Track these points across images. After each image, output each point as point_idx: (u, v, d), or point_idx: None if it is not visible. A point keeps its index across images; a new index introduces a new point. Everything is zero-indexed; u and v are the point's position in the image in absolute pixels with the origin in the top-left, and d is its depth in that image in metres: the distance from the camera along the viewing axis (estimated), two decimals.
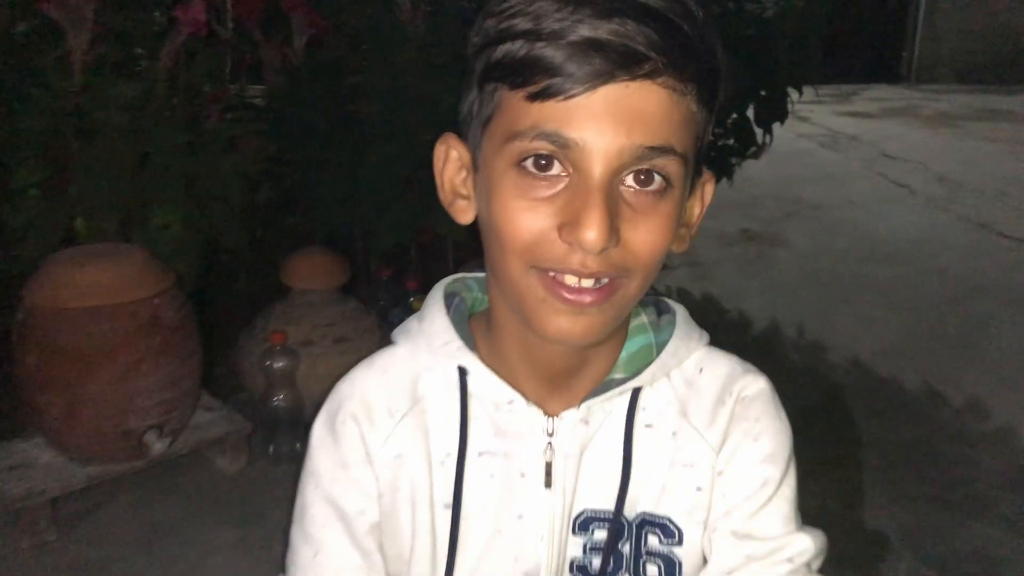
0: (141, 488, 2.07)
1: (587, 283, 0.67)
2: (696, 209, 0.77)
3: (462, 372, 0.78)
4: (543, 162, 0.66)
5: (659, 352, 0.79)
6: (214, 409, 2.19)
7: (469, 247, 2.62)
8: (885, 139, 6.38)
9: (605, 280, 0.68)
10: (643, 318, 0.82)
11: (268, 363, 2.16)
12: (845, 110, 7.68)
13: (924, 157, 5.73)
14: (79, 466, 1.95)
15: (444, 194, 0.77)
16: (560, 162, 0.66)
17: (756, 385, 0.81)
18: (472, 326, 0.82)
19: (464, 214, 0.76)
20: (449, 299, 0.83)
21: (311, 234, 2.61)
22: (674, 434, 0.79)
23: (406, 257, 2.81)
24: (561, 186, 0.66)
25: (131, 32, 2.13)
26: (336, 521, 0.80)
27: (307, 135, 2.56)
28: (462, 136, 0.75)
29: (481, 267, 0.81)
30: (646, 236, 0.67)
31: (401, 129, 2.43)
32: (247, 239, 2.41)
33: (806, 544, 0.77)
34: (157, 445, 1.95)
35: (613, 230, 0.64)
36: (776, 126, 3.37)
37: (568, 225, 0.65)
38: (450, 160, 0.76)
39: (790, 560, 0.77)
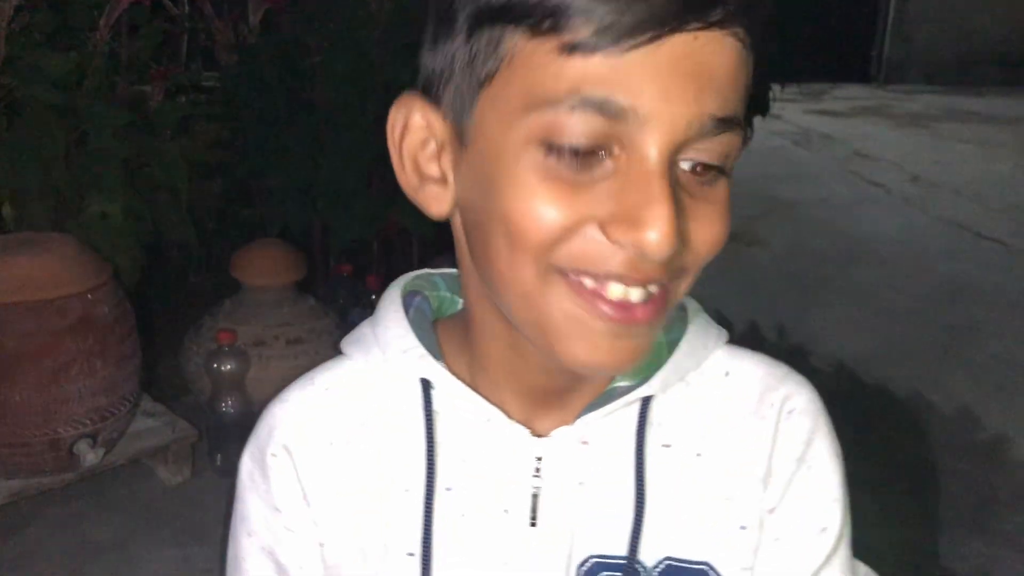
0: (72, 503, 1.90)
1: (636, 294, 0.51)
2: None
3: (426, 386, 0.62)
4: (587, 148, 0.49)
5: (671, 352, 0.63)
6: (156, 415, 2.01)
7: (436, 244, 2.47)
8: (857, 138, 6.31)
9: (655, 288, 0.52)
10: None
11: (215, 365, 1.99)
12: (815, 108, 7.62)
13: (898, 157, 5.66)
14: (1, 480, 1.77)
15: (406, 176, 0.57)
16: (607, 148, 0.49)
17: (802, 395, 0.65)
18: (439, 332, 0.65)
19: (437, 203, 0.57)
20: (409, 299, 0.66)
21: (266, 227, 2.44)
22: (699, 455, 0.63)
23: (368, 252, 2.65)
24: (603, 169, 0.49)
25: (67, 1, 1.94)
26: None
27: (263, 120, 2.38)
28: (431, 98, 0.56)
29: (451, 263, 0.64)
30: (710, 228, 0.52)
31: (364, 115, 2.28)
32: (196, 232, 2.23)
33: None
34: (90, 456, 1.77)
35: (680, 230, 0.49)
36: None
37: (620, 223, 0.49)
38: (411, 130, 0.56)
39: None
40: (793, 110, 7.19)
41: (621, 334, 0.52)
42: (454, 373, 0.62)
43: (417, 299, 0.66)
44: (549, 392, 0.62)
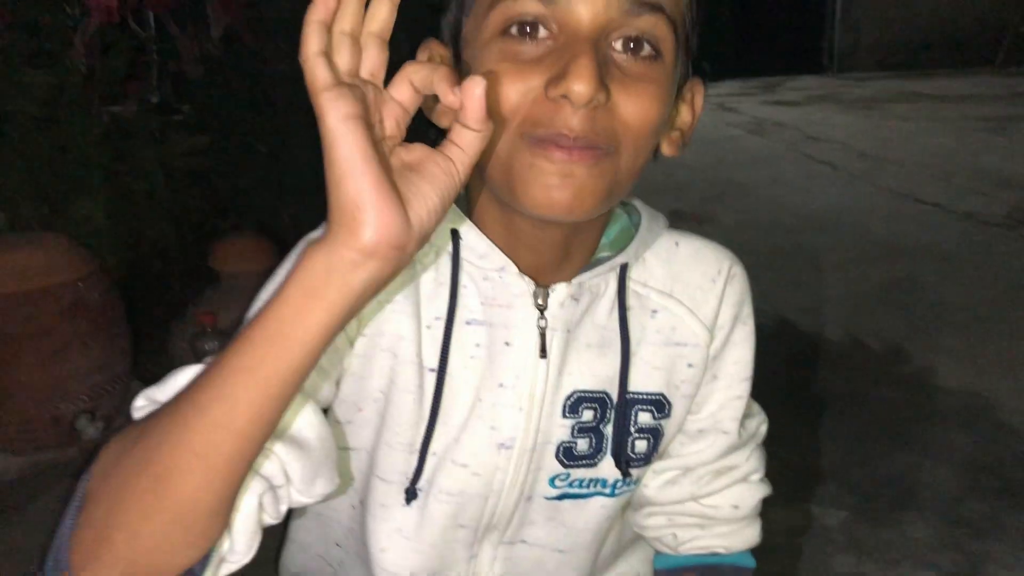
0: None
1: (575, 132, 0.64)
2: (687, 116, 0.76)
3: (455, 236, 0.75)
4: (528, 28, 0.65)
5: (636, 231, 0.79)
6: None
7: None
8: (809, 123, 6.54)
9: (591, 138, 0.65)
10: (617, 207, 0.83)
11: (199, 344, 2.16)
12: (770, 99, 7.86)
13: (846, 137, 5.89)
14: (10, 456, 1.94)
15: (425, 101, 0.67)
16: (546, 25, 0.65)
17: (738, 264, 0.84)
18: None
19: (444, 116, 0.71)
20: None
21: (242, 228, 2.62)
22: (662, 310, 0.81)
23: None
24: (545, 45, 0.65)
25: (42, 24, 2.13)
26: None
27: (231, 125, 2.57)
28: (440, 36, 0.74)
29: None
30: (637, 101, 0.65)
31: None
32: (174, 235, 2.41)
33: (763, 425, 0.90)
34: (90, 429, 1.94)
35: (602, 85, 0.62)
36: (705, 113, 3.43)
37: (554, 80, 0.63)
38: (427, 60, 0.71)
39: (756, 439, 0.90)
40: (749, 102, 7.45)
41: (566, 175, 0.65)
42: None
43: None
44: (542, 262, 0.76)
